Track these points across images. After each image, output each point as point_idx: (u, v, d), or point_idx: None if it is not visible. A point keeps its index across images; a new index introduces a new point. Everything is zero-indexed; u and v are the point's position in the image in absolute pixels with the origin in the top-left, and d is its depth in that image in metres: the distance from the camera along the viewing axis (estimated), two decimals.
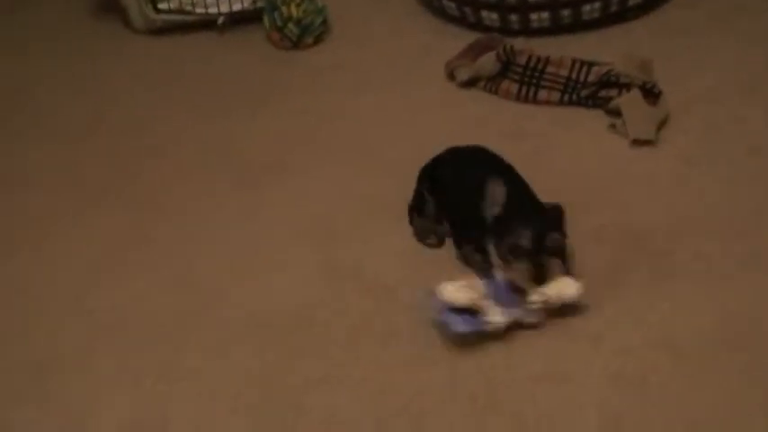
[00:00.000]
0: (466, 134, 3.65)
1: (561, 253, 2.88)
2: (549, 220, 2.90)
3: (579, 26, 4.21)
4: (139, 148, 3.97)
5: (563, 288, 2.84)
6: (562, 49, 4.02)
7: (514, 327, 2.84)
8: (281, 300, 3.11)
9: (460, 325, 2.78)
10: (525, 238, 2.81)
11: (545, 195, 3.16)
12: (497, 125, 3.79)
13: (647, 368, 2.71)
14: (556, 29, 4.20)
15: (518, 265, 2.83)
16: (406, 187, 3.35)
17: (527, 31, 4.21)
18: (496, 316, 2.80)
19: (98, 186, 3.77)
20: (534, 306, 2.82)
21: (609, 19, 4.23)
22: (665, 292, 2.95)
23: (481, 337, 2.81)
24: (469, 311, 2.79)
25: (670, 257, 3.08)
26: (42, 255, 3.44)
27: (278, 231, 3.41)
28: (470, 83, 4.01)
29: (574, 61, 3.89)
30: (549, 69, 3.89)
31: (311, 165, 3.72)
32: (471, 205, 3.01)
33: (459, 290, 2.79)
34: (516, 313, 2.83)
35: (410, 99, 4.03)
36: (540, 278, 2.82)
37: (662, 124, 3.64)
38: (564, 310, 2.87)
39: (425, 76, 4.12)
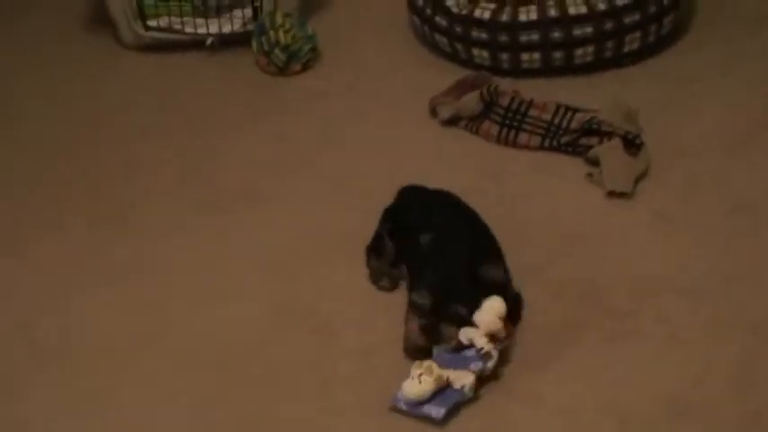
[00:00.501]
0: (443, 173, 3.60)
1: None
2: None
3: (571, 69, 4.09)
4: (114, 165, 3.89)
5: (494, 308, 2.77)
6: (552, 92, 3.92)
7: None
8: (229, 333, 3.02)
9: (438, 409, 2.66)
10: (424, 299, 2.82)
11: (513, 242, 3.12)
12: (475, 165, 3.70)
13: None
14: (547, 70, 4.09)
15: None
16: (375, 223, 3.27)
17: (517, 71, 4.10)
18: (464, 379, 2.69)
19: (67, 202, 3.71)
20: (485, 347, 2.72)
21: (602, 64, 4.11)
22: (620, 354, 2.84)
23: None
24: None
25: (631, 318, 2.96)
26: None
27: (239, 261, 3.33)
28: (452, 121, 3.91)
29: (558, 106, 3.79)
30: (532, 113, 3.79)
31: (283, 193, 3.64)
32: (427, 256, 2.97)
33: (418, 382, 2.68)
34: (477, 365, 2.73)
35: (391, 132, 3.93)
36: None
37: (641, 176, 3.53)
38: (508, 368, 2.79)
39: (410, 110, 4.01)
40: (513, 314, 2.88)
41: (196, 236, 3.47)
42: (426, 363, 2.71)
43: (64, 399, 2.86)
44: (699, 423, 2.63)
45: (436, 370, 2.70)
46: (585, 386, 2.74)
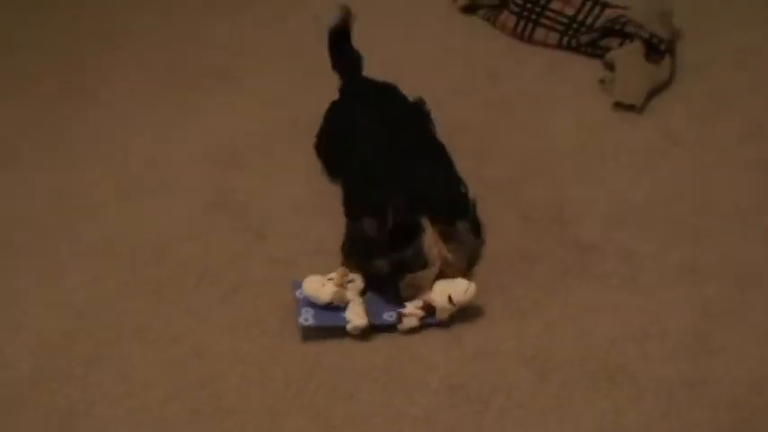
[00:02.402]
0: (440, 66, 3.24)
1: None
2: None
3: None
4: (95, 36, 3.64)
5: (452, 291, 2.39)
6: None
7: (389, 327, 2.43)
8: (150, 226, 2.76)
9: (308, 317, 2.39)
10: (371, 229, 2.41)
11: (499, 152, 2.85)
12: (478, 60, 3.31)
13: (493, 386, 2.26)
14: None
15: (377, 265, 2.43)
16: None
17: None
18: (356, 317, 2.39)
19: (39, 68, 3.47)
20: (409, 313, 2.41)
21: None
22: (568, 296, 2.47)
23: (339, 333, 2.40)
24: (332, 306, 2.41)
25: (592, 253, 2.58)
26: None
27: (187, 147, 3.05)
28: (471, 9, 3.51)
29: (585, 0, 3.34)
30: (554, 5, 3.36)
31: (259, 78, 3.33)
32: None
33: (324, 284, 2.41)
34: (390, 316, 2.41)
35: (402, 20, 3.54)
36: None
37: (658, 89, 3.09)
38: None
39: None
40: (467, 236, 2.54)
41: (154, 114, 3.21)
42: (347, 275, 2.43)
43: None
44: (625, 388, 2.25)
45: (348, 287, 2.41)
46: (515, 330, 2.38)
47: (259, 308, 2.48)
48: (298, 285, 2.43)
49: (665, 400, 2.20)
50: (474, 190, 2.61)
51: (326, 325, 2.39)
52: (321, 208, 2.73)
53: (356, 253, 2.45)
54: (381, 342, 2.38)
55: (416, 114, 2.82)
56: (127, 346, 2.42)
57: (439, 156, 2.68)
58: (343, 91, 2.87)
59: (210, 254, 2.65)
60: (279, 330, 2.42)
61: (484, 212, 2.62)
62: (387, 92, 2.85)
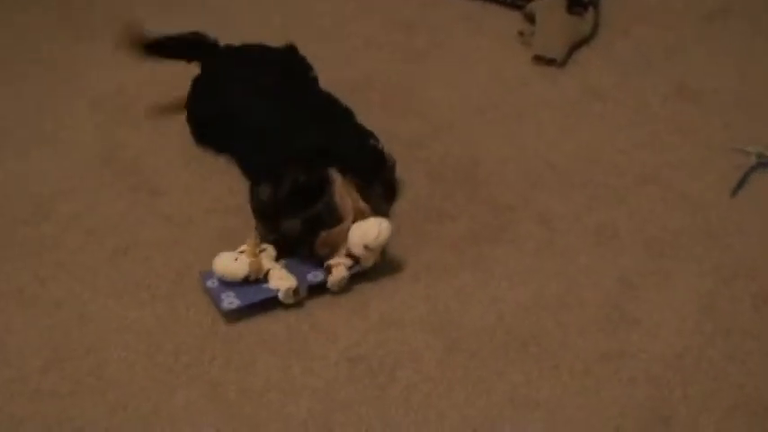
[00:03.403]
0: (359, 18, 3.06)
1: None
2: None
3: None
4: None
5: (365, 239, 2.23)
6: None
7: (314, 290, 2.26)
8: (30, 183, 2.56)
9: (231, 300, 2.20)
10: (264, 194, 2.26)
11: (410, 107, 2.69)
12: (392, 11, 3.14)
13: (398, 357, 2.11)
14: None
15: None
16: None
17: None
18: (283, 281, 2.21)
19: None
20: (335, 264, 2.25)
21: None
22: (479, 261, 2.32)
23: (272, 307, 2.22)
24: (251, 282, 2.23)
25: (506, 215, 2.44)
26: None
27: (86, 95, 2.85)
28: None
29: None
30: None
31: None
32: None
33: (234, 259, 2.22)
34: (316, 276, 2.26)
35: None
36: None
37: (579, 43, 2.95)
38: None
39: None
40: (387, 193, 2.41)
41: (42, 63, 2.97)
42: (258, 244, 2.25)
43: None
44: (539, 360, 2.11)
45: (261, 256, 2.23)
46: (423, 296, 2.23)
47: (150, 271, 2.30)
48: (208, 276, 2.23)
49: (581, 374, 2.07)
50: (388, 147, 2.45)
51: (255, 301, 2.20)
52: (216, 165, 2.55)
53: (263, 217, 2.28)
54: (282, 311, 2.22)
55: (294, 70, 2.64)
56: (3, 309, 2.23)
57: (337, 110, 2.52)
58: (204, 69, 2.70)
59: (97, 212, 2.46)
60: (170, 295, 2.24)
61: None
62: (253, 54, 2.67)
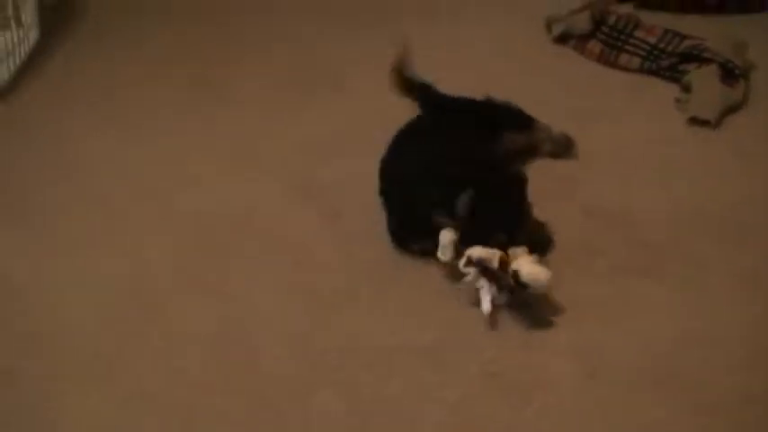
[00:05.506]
0: (533, 85, 2.44)
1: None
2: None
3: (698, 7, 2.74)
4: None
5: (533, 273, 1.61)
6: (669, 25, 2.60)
7: None
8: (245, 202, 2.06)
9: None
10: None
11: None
12: (568, 81, 2.50)
13: (536, 379, 1.47)
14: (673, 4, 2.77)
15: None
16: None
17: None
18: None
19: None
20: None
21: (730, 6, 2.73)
22: (622, 292, 1.66)
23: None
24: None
25: (654, 253, 1.77)
26: None
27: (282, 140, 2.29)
28: (563, 39, 2.70)
29: (666, 31, 2.52)
30: (638, 34, 2.54)
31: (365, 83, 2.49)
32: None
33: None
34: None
35: (500, 47, 2.74)
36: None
37: (731, 109, 2.25)
38: None
39: (526, 26, 2.81)
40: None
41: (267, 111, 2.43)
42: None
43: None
44: (683, 397, 1.44)
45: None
46: (569, 323, 1.58)
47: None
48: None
49: (723, 415, 1.38)
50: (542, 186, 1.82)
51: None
52: None
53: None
54: (431, 319, 1.62)
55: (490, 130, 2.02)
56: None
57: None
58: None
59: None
60: (329, 302, 1.68)
61: (548, 207, 1.83)
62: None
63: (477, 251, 1.59)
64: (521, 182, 1.72)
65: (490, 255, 1.58)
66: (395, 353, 1.55)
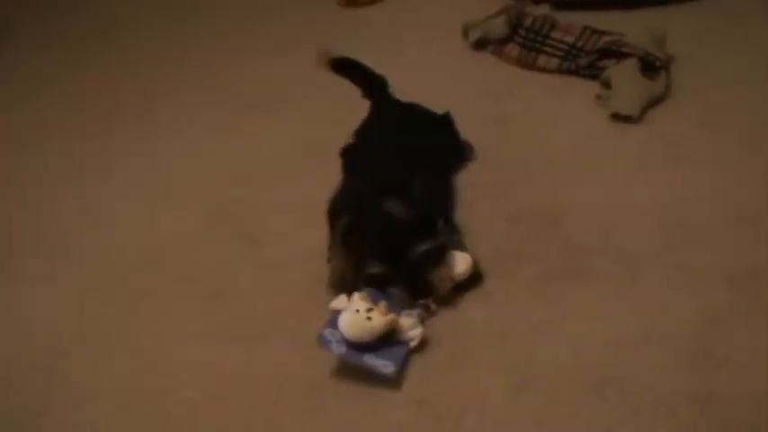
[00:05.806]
0: (453, 91, 2.39)
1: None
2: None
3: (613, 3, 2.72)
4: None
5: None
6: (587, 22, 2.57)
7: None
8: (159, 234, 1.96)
9: (386, 363, 1.47)
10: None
11: (497, 163, 1.99)
12: (487, 85, 2.45)
13: (466, 401, 1.39)
14: (588, 3, 2.74)
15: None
16: None
17: (559, 2, 2.78)
18: (414, 329, 1.53)
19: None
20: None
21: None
22: (552, 298, 1.59)
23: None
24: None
25: (586, 255, 1.70)
26: None
27: (212, 166, 2.22)
28: (481, 44, 2.66)
29: (584, 28, 2.48)
30: (555, 35, 2.50)
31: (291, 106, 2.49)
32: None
33: (367, 318, 1.49)
34: (419, 313, 1.58)
35: (421, 55, 2.70)
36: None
37: (653, 102, 2.21)
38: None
39: (444, 36, 2.76)
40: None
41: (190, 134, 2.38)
42: (370, 299, 1.54)
43: None
44: (620, 402, 1.38)
45: (388, 312, 1.52)
46: (498, 336, 1.51)
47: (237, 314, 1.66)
48: (328, 338, 1.49)
49: (666, 418, 1.31)
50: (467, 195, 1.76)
51: (405, 360, 1.50)
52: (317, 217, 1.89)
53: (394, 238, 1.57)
54: None
55: (432, 128, 2.01)
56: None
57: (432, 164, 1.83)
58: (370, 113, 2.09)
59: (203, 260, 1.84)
60: (257, 338, 1.59)
61: (474, 216, 1.77)
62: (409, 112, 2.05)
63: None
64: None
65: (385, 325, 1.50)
66: (319, 389, 1.45)
